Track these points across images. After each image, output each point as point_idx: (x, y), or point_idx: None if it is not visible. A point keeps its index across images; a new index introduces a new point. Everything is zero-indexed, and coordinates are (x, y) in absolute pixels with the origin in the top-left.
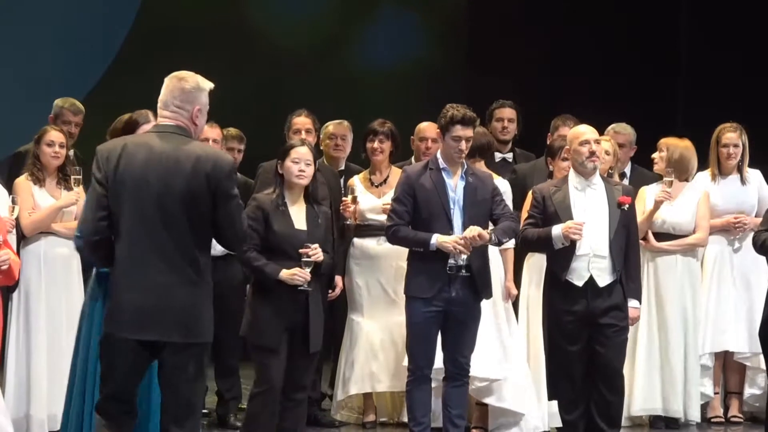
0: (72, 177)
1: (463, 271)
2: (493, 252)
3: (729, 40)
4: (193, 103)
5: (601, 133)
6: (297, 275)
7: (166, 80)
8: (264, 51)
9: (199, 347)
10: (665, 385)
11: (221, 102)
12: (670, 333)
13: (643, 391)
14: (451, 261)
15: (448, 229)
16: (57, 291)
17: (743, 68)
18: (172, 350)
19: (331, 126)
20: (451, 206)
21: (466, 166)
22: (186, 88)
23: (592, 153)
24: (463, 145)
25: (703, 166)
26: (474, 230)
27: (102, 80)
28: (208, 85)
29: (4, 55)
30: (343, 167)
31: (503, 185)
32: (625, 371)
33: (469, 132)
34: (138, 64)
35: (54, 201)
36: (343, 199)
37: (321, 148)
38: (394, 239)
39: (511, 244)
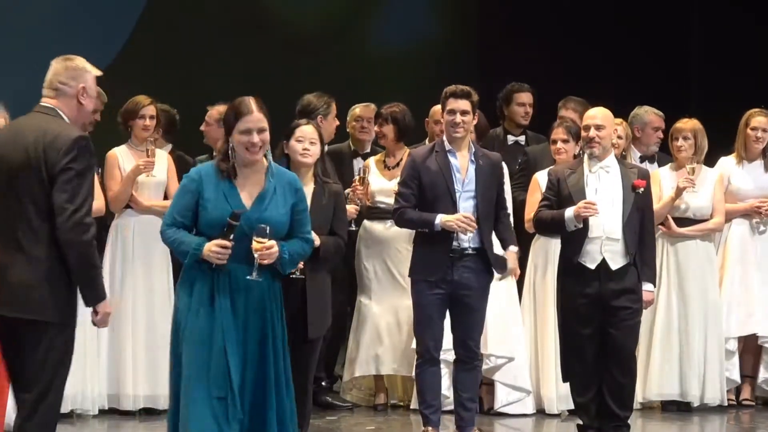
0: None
1: (470, 249)
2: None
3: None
4: (77, 80)
5: (617, 114)
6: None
7: (52, 62)
8: (276, 34)
9: (43, 325)
10: (683, 370)
11: (233, 85)
12: (691, 317)
13: (659, 376)
14: (455, 243)
15: (452, 212)
16: None
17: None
18: (20, 326)
19: (358, 108)
20: (457, 188)
21: (474, 149)
22: (70, 66)
23: (591, 139)
24: (458, 117)
25: (719, 149)
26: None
27: (113, 62)
28: (96, 71)
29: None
30: (368, 150)
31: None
32: (642, 355)
33: (462, 104)
34: (149, 48)
35: None
36: (354, 179)
37: (348, 130)
38: (400, 222)
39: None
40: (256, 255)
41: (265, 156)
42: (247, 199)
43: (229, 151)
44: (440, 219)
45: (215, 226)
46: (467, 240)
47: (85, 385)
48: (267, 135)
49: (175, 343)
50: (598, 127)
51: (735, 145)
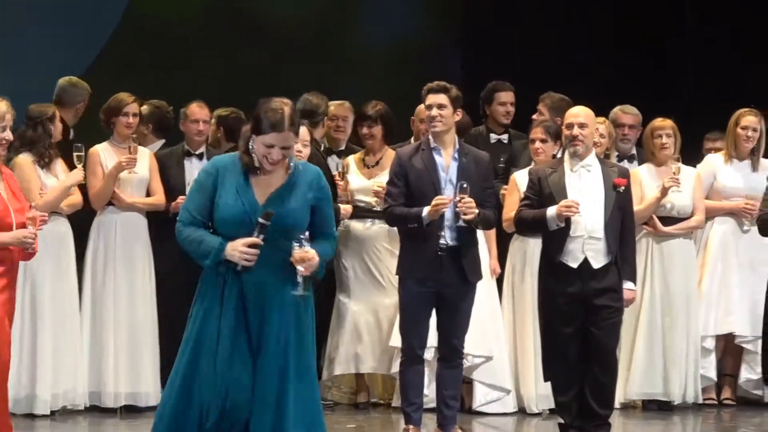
0: (75, 154)
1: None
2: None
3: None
4: None
5: (599, 113)
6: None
7: None
8: (259, 32)
9: None
10: (667, 369)
11: (218, 86)
12: (675, 316)
13: (642, 374)
14: (441, 242)
15: None
16: (52, 269)
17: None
18: None
19: (332, 107)
20: (443, 185)
21: (458, 145)
22: None
23: (574, 138)
24: (435, 111)
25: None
26: (468, 201)
27: (94, 63)
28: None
29: None
30: (343, 148)
31: None
32: (625, 354)
33: (439, 98)
34: (131, 49)
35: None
36: (334, 174)
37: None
38: (391, 220)
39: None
40: (299, 267)
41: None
42: (260, 196)
43: (251, 147)
44: (425, 211)
45: (228, 223)
46: (449, 239)
47: (67, 382)
48: (292, 150)
49: (183, 349)
50: (582, 126)
51: (724, 143)
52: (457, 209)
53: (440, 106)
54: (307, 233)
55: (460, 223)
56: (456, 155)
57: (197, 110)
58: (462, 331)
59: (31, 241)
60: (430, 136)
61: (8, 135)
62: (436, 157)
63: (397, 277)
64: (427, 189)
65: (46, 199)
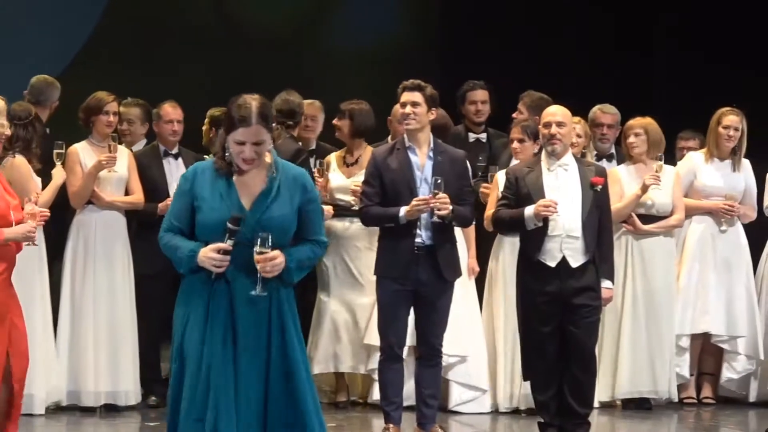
0: (55, 152)
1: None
2: (456, 230)
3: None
4: None
5: (576, 113)
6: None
7: None
8: (238, 32)
9: None
10: (648, 367)
11: (197, 86)
12: (657, 314)
13: (624, 373)
14: (418, 240)
15: None
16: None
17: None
18: None
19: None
20: (418, 184)
21: (433, 144)
22: None
23: (552, 136)
24: (408, 109)
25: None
26: (442, 196)
27: (74, 62)
28: None
29: None
30: (314, 146)
31: None
32: (607, 353)
33: (412, 96)
34: (111, 48)
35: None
36: (313, 170)
37: None
38: (366, 220)
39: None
40: (258, 267)
41: (269, 151)
42: (246, 199)
43: (226, 150)
44: (403, 211)
45: (210, 230)
46: (426, 238)
47: (48, 382)
48: (264, 146)
49: (173, 356)
50: (559, 124)
51: (706, 142)
52: (432, 204)
53: (414, 104)
54: (270, 236)
55: (435, 219)
56: (431, 154)
57: (171, 111)
58: (440, 330)
59: (34, 235)
60: (405, 136)
61: (7, 131)
62: (411, 157)
63: (375, 276)
64: (403, 188)
65: (43, 199)
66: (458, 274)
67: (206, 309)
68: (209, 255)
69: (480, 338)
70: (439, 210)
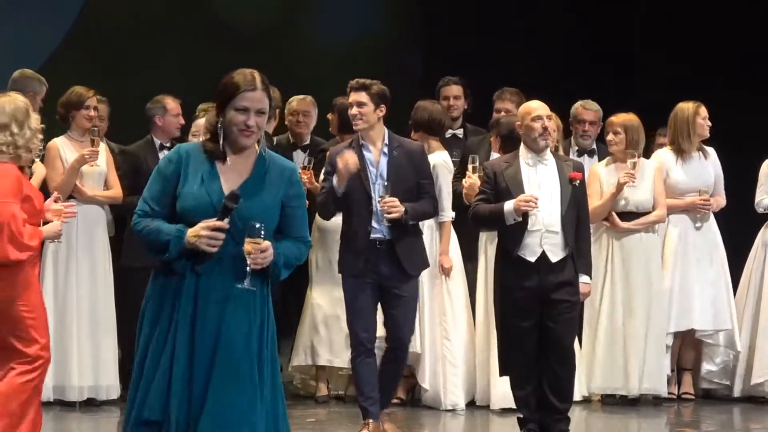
0: None
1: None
2: (430, 224)
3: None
4: None
5: (563, 108)
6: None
7: None
8: (220, 28)
9: None
10: (626, 363)
11: (180, 83)
12: (636, 311)
13: (603, 369)
14: (376, 235)
15: (368, 204)
16: None
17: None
18: None
19: (294, 102)
20: (372, 180)
21: (388, 140)
22: None
23: (545, 129)
24: (354, 110)
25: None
26: (388, 200)
27: (51, 57)
28: None
29: None
30: (308, 142)
31: (441, 156)
32: (586, 349)
33: (358, 96)
34: (89, 44)
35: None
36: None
37: (285, 123)
38: (324, 213)
39: (448, 216)
40: (248, 258)
41: (258, 141)
42: (227, 187)
43: (218, 131)
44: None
45: (190, 214)
46: (385, 232)
47: None
48: (265, 119)
49: (137, 349)
50: (549, 118)
51: (673, 138)
52: (380, 209)
53: (360, 104)
54: (262, 226)
55: (385, 223)
56: (385, 150)
57: (174, 104)
58: (405, 323)
59: (62, 233)
60: (360, 134)
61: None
62: (365, 154)
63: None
64: (355, 184)
65: None
66: (422, 267)
67: (173, 305)
68: (203, 233)
69: (465, 335)
70: (389, 213)
